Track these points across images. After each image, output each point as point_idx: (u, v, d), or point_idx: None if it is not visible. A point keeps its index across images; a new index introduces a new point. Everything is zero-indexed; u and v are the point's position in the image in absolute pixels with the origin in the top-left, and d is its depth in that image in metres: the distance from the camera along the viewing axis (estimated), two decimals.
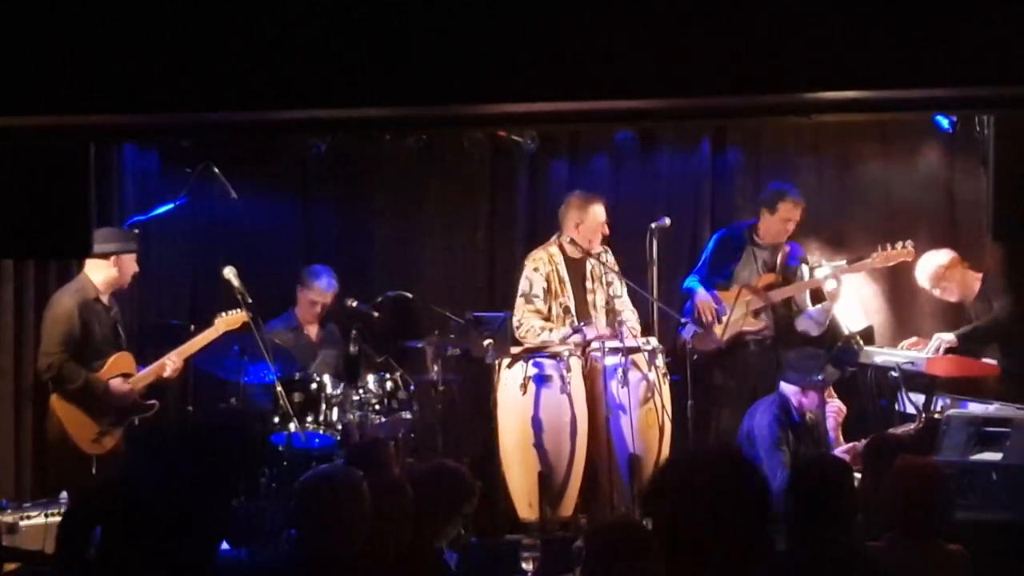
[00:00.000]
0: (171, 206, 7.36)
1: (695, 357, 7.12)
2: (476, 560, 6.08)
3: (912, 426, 6.73)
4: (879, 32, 3.34)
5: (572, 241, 7.21)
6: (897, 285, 7.91)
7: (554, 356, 6.93)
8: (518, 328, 7.18)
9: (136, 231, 7.09)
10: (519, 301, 7.25)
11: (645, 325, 7.31)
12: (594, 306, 7.29)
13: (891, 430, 6.67)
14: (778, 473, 6.58)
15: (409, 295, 7.85)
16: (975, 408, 6.53)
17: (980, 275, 7.37)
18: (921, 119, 7.44)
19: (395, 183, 8.42)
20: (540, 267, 7.25)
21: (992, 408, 6.50)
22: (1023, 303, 7.23)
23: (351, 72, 3.47)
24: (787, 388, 6.93)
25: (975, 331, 7.29)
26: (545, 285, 7.22)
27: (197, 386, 7.35)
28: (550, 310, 7.23)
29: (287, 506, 6.03)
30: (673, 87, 3.44)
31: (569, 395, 6.85)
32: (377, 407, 7.19)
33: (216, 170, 7.19)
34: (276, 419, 7.01)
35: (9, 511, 6.16)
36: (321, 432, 7.04)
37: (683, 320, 7.37)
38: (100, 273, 6.72)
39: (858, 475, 4.95)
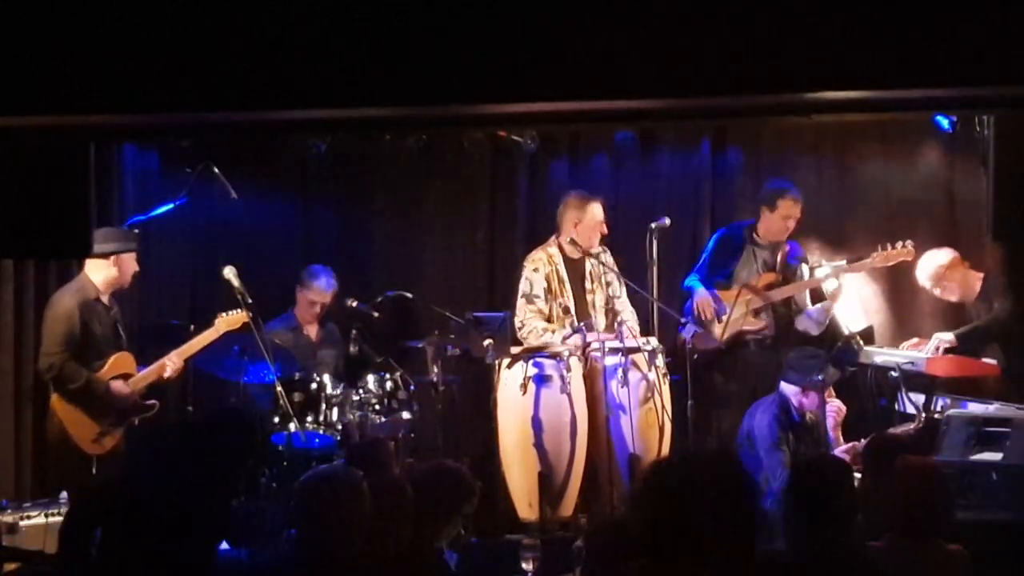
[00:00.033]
0: (171, 206, 7.36)
1: (695, 357, 7.12)
2: (476, 560, 6.08)
3: (912, 426, 6.73)
4: (879, 32, 3.34)
5: (572, 241, 7.22)
6: (897, 285, 7.91)
7: (554, 356, 6.94)
8: (521, 329, 7.19)
9: (136, 231, 7.09)
10: (520, 302, 7.25)
11: (645, 325, 7.31)
12: (593, 306, 7.30)
13: (891, 430, 6.68)
14: (778, 473, 6.59)
15: (409, 295, 7.85)
16: (975, 408, 6.53)
17: (981, 275, 7.37)
18: (921, 119, 7.44)
19: (395, 183, 8.42)
20: (540, 267, 7.26)
21: (992, 408, 6.51)
22: (1023, 303, 7.23)
23: (351, 72, 3.47)
24: (787, 388, 6.93)
25: (974, 331, 7.29)
26: (545, 285, 7.23)
27: (197, 386, 7.36)
28: (551, 310, 7.23)
29: (287, 506, 6.03)
30: (673, 87, 3.44)
31: (569, 395, 6.85)
32: (377, 407, 7.20)
33: (216, 170, 7.19)
34: (276, 419, 7.01)
35: (9, 511, 6.16)
36: (321, 432, 7.05)
37: (683, 320, 7.37)
38: (100, 273, 6.72)
39: (858, 475, 4.95)
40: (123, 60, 3.48)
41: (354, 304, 7.63)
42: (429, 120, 4.61)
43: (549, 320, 7.23)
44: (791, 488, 3.86)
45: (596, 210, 7.25)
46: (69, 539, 3.78)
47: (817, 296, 7.64)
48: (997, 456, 5.91)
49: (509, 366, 7.01)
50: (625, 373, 6.80)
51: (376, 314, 7.65)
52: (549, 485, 6.83)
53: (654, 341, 7.07)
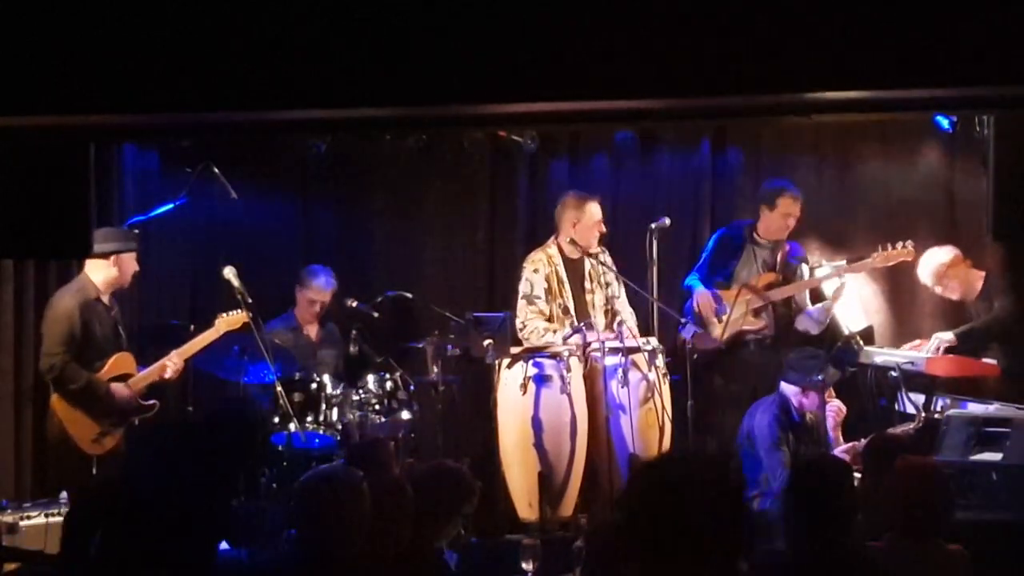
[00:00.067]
0: (171, 206, 7.36)
1: (695, 357, 7.12)
2: (476, 560, 6.08)
3: (911, 426, 6.73)
4: (879, 32, 3.34)
5: (572, 241, 7.22)
6: (897, 285, 7.91)
7: (554, 356, 6.94)
8: (522, 330, 7.19)
9: (136, 231, 7.09)
10: (521, 303, 7.25)
11: (645, 325, 7.31)
12: (593, 306, 7.30)
13: (890, 430, 6.68)
14: (778, 473, 6.59)
15: (409, 295, 7.85)
16: (975, 408, 6.53)
17: (982, 273, 7.36)
18: (921, 119, 7.44)
19: (395, 183, 8.42)
20: (540, 268, 7.26)
21: (992, 408, 6.51)
22: (1023, 303, 7.23)
23: (351, 72, 3.47)
24: (787, 388, 6.93)
25: (974, 331, 7.30)
26: (546, 286, 7.23)
27: (197, 386, 7.36)
28: (551, 311, 7.23)
29: (287, 506, 6.04)
30: (673, 87, 3.44)
31: (569, 395, 6.85)
32: (377, 407, 7.20)
33: (216, 170, 7.19)
34: (276, 419, 7.01)
35: (9, 511, 6.17)
36: (321, 432, 7.05)
37: (683, 320, 7.36)
38: (100, 273, 6.71)
39: (858, 475, 4.95)
40: (123, 60, 3.48)
41: (354, 304, 7.63)
42: (429, 120, 4.61)
43: (550, 320, 7.23)
44: (791, 488, 3.86)
45: (594, 209, 7.26)
46: (69, 539, 3.78)
47: (817, 296, 7.65)
48: (997, 456, 5.91)
49: (509, 366, 7.01)
50: (625, 373, 6.79)
51: (376, 314, 7.65)
52: (549, 485, 6.83)
53: (654, 341, 7.07)
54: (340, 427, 7.11)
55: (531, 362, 6.92)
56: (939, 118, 7.45)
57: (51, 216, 3.89)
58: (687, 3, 3.41)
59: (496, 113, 4.01)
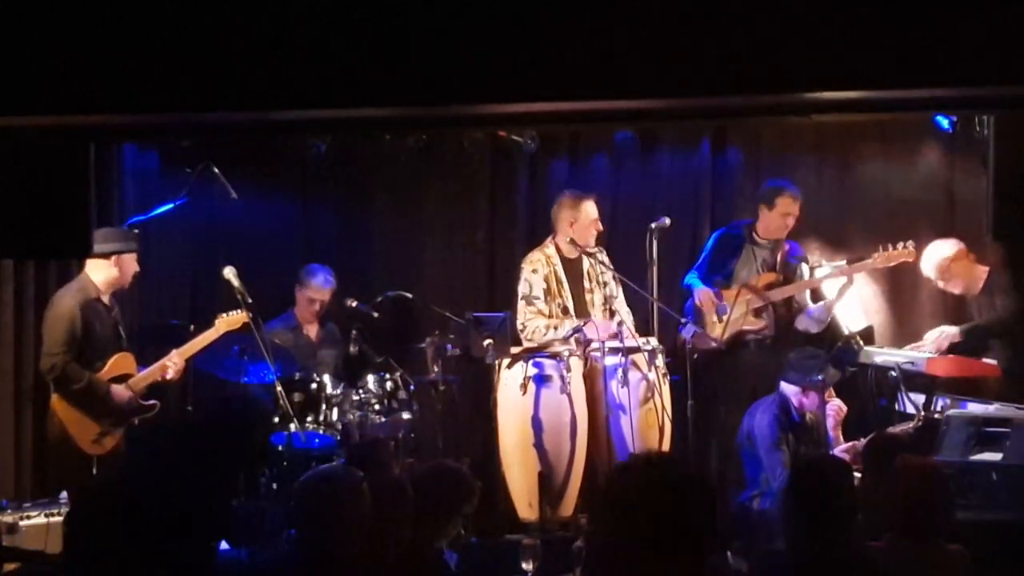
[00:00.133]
0: (171, 206, 7.36)
1: (695, 357, 7.12)
2: (476, 560, 6.08)
3: (911, 425, 6.73)
4: (879, 32, 3.33)
5: (572, 241, 7.22)
6: (897, 285, 7.91)
7: (554, 356, 6.94)
8: (522, 331, 7.19)
9: (136, 231, 7.10)
10: (520, 304, 7.25)
11: (645, 325, 7.30)
12: (592, 305, 7.30)
13: (890, 429, 6.68)
14: (778, 473, 6.59)
15: (409, 295, 7.86)
16: (975, 408, 6.53)
17: (986, 268, 7.32)
18: (921, 119, 7.44)
19: (395, 183, 8.43)
20: (539, 268, 7.26)
21: (992, 408, 6.51)
22: None
23: (351, 72, 3.47)
24: (787, 388, 6.93)
25: (978, 328, 7.28)
26: (545, 286, 7.23)
27: (197, 386, 7.36)
28: (550, 311, 7.23)
29: (287, 506, 6.04)
30: (673, 87, 3.43)
31: (569, 395, 6.85)
32: (377, 407, 7.20)
33: (216, 170, 7.19)
34: (276, 419, 7.01)
35: (9, 511, 6.17)
36: (321, 432, 7.05)
37: (683, 320, 7.37)
38: (101, 273, 6.71)
39: (858, 475, 4.95)
40: (123, 60, 3.47)
41: (354, 304, 7.63)
42: (429, 120, 4.61)
43: (550, 319, 7.23)
44: (791, 488, 3.86)
45: (590, 208, 7.26)
46: (70, 539, 3.78)
47: (817, 296, 7.65)
48: (997, 456, 5.91)
49: (509, 366, 7.01)
50: (625, 373, 6.80)
51: (376, 314, 7.65)
52: (549, 485, 6.83)
53: (654, 341, 7.07)
54: (340, 427, 7.12)
55: (531, 362, 6.92)
56: (939, 118, 7.45)
57: (51, 216, 3.88)
58: (687, 3, 3.41)
59: (496, 113, 4.01)
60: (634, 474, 2.60)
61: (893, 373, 7.12)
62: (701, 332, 7.34)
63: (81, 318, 6.58)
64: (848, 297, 7.55)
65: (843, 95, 3.56)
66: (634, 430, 6.78)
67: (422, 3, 3.46)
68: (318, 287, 7.71)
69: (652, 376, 6.92)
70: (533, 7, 3.43)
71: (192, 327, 7.16)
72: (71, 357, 6.55)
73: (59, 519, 6.05)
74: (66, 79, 3.48)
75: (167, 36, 3.47)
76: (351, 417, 7.13)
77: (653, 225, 7.18)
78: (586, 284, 7.33)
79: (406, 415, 7.26)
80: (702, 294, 7.52)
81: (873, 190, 8.03)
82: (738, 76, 3.39)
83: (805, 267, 7.62)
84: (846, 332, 7.46)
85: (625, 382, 6.80)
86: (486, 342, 6.95)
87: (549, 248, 7.34)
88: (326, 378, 7.21)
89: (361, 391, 7.21)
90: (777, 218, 7.52)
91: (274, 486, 6.87)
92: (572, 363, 6.90)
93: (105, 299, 6.78)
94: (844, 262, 7.55)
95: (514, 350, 7.05)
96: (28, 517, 6.13)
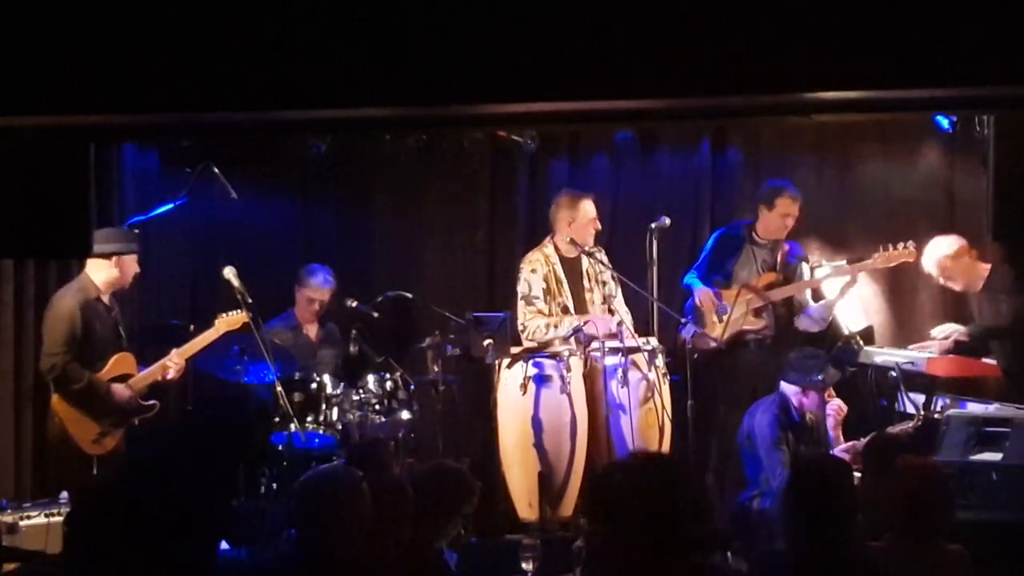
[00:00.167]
0: (171, 206, 7.36)
1: (695, 357, 7.12)
2: (476, 560, 6.08)
3: (910, 424, 6.73)
4: (879, 32, 3.33)
5: (572, 241, 7.22)
6: (897, 285, 7.91)
7: (554, 356, 6.94)
8: (523, 331, 7.18)
9: (136, 231, 7.10)
10: (520, 304, 7.25)
11: (644, 325, 7.30)
12: (592, 304, 7.30)
13: (889, 428, 6.68)
14: (778, 473, 6.59)
15: (409, 295, 7.86)
16: (975, 408, 6.53)
17: (987, 266, 7.28)
18: (921, 119, 7.44)
19: (395, 183, 8.43)
20: (538, 268, 7.26)
21: (992, 408, 6.51)
22: None
23: (351, 72, 3.47)
24: (787, 388, 6.93)
25: (986, 330, 7.24)
26: (544, 286, 7.23)
27: (197, 386, 7.36)
28: (550, 311, 7.23)
29: (287, 506, 6.04)
30: (673, 87, 3.43)
31: (569, 395, 6.85)
32: (377, 407, 7.20)
33: (216, 170, 7.19)
34: (276, 419, 7.01)
35: (9, 511, 6.17)
36: (321, 432, 7.05)
37: (683, 320, 7.37)
38: (101, 273, 6.71)
39: (857, 474, 4.95)
40: (123, 60, 3.48)
41: (354, 304, 7.63)
42: (429, 120, 4.61)
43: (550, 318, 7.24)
44: (791, 488, 3.86)
45: (588, 207, 7.27)
46: (70, 539, 3.78)
47: (818, 295, 7.65)
48: (997, 456, 5.92)
49: (509, 366, 7.01)
50: (625, 373, 6.80)
51: (376, 314, 7.65)
52: (549, 485, 6.83)
53: (654, 341, 7.07)
54: (340, 427, 7.12)
55: (531, 362, 6.93)
56: (939, 118, 7.45)
57: (51, 216, 3.88)
58: (687, 3, 3.41)
59: (496, 113, 4.01)
60: (617, 474, 2.62)
61: (893, 373, 7.12)
62: (701, 332, 7.34)
63: (81, 318, 6.57)
64: (848, 297, 7.54)
65: (843, 95, 3.56)
66: (634, 430, 6.78)
67: (422, 3, 3.46)
68: (317, 287, 7.71)
69: (652, 376, 6.92)
70: (533, 7, 3.43)
71: (192, 327, 7.16)
72: (71, 357, 6.55)
73: (59, 519, 6.05)
74: (66, 79, 3.48)
75: (167, 36, 3.47)
76: (351, 417, 7.13)
77: (653, 225, 7.18)
78: (585, 283, 7.33)
79: (406, 415, 7.26)
80: (702, 294, 7.52)
81: (873, 190, 8.03)
82: (738, 76, 3.39)
83: (805, 267, 7.62)
84: (846, 332, 7.47)
85: (625, 382, 6.79)
86: (486, 342, 6.95)
87: (548, 248, 7.34)
88: (326, 378, 7.21)
89: (361, 391, 7.21)
90: (777, 219, 7.52)
91: (274, 486, 6.87)
92: (572, 363, 6.90)
93: (105, 299, 6.78)
94: (844, 262, 7.55)
95: (514, 350, 7.05)
96: (28, 517, 6.13)
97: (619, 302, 7.36)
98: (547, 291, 7.23)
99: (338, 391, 7.19)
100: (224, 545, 5.80)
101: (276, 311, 7.76)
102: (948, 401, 6.79)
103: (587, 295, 7.31)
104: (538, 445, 6.86)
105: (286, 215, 8.39)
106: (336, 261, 8.00)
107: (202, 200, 7.37)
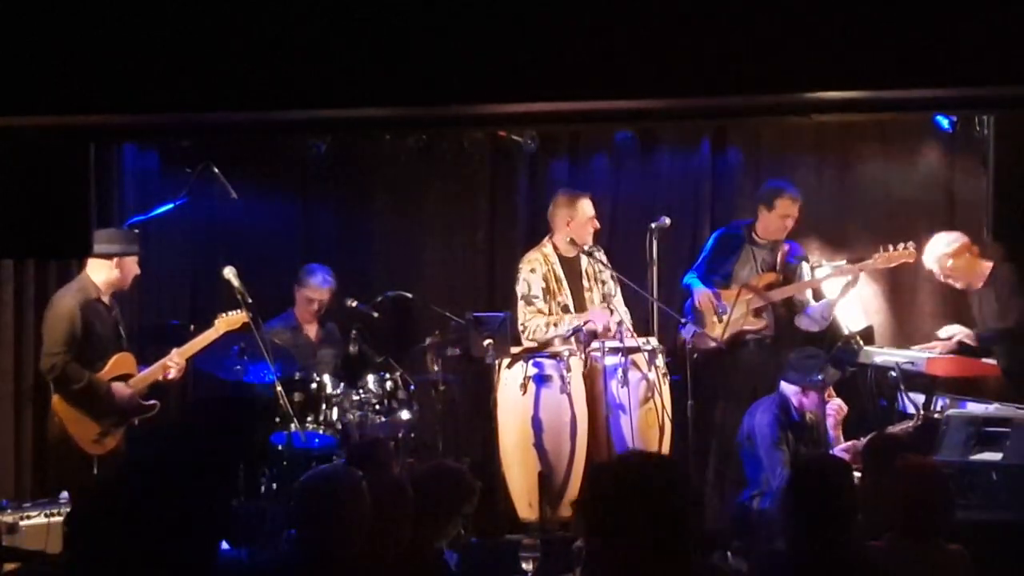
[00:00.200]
0: (171, 206, 7.36)
1: (695, 357, 7.12)
2: (476, 560, 6.08)
3: (910, 424, 6.73)
4: (879, 32, 3.33)
5: (572, 241, 7.22)
6: (897, 285, 7.91)
7: (554, 356, 6.94)
8: (523, 331, 7.18)
9: (136, 232, 7.10)
10: (520, 304, 7.25)
11: (644, 325, 7.30)
12: (592, 303, 7.30)
13: (889, 428, 6.68)
14: (778, 472, 6.59)
15: (409, 295, 7.86)
16: (975, 408, 6.53)
17: (989, 264, 7.26)
18: (921, 119, 7.44)
19: (395, 183, 8.43)
20: (537, 268, 7.26)
21: (992, 408, 6.50)
22: None
23: (351, 72, 3.47)
24: (787, 388, 6.93)
25: (995, 333, 7.22)
26: (543, 285, 7.23)
27: (197, 386, 7.36)
28: (550, 310, 7.23)
29: (287, 506, 6.04)
30: (673, 87, 3.43)
31: (569, 395, 6.86)
32: (377, 407, 7.20)
33: (216, 170, 7.19)
34: (276, 419, 7.01)
35: (9, 511, 6.17)
36: (321, 432, 7.05)
37: (683, 320, 7.37)
38: (102, 274, 6.71)
39: (857, 474, 4.95)
40: (123, 60, 3.47)
41: (354, 304, 7.63)
42: (429, 120, 4.61)
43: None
44: (791, 488, 3.86)
45: (586, 206, 7.27)
46: (70, 539, 3.78)
47: (818, 295, 7.65)
48: (997, 456, 5.91)
49: (509, 366, 7.01)
50: (625, 373, 6.80)
51: (376, 314, 7.65)
52: (549, 485, 6.84)
53: (654, 341, 7.07)
54: (340, 427, 7.12)
55: (531, 362, 6.93)
56: (939, 118, 7.45)
57: (51, 216, 3.88)
58: (687, 3, 3.41)
59: (496, 113, 4.01)
60: (608, 474, 2.62)
61: (893, 373, 7.12)
62: (701, 332, 7.34)
63: (81, 318, 6.58)
64: (848, 297, 7.54)
65: (843, 95, 3.56)
66: (634, 430, 6.78)
67: (422, 3, 3.46)
68: (316, 287, 7.72)
69: (652, 376, 6.92)
70: (533, 7, 3.43)
71: (192, 327, 7.16)
72: (71, 357, 6.55)
73: (59, 519, 6.05)
74: (66, 79, 3.48)
75: (167, 36, 3.46)
76: (351, 417, 7.13)
77: (653, 225, 7.18)
78: (584, 283, 7.33)
79: (406, 415, 7.26)
80: (701, 295, 7.52)
81: (873, 190, 8.03)
82: (738, 76, 3.39)
83: (806, 266, 7.61)
84: (846, 332, 7.46)
85: (625, 382, 6.80)
86: (486, 342, 6.95)
87: (546, 247, 7.34)
88: (326, 378, 7.22)
89: (361, 391, 7.21)
90: (776, 219, 7.52)
91: (274, 486, 6.87)
92: (572, 363, 6.90)
93: (105, 299, 6.78)
94: (844, 262, 7.54)
95: (514, 350, 7.06)
96: (28, 517, 6.12)
97: (618, 301, 7.36)
98: (546, 290, 7.23)
99: (338, 391, 7.19)
100: (224, 545, 5.80)
101: (276, 311, 7.76)
102: (948, 401, 6.79)
103: (586, 294, 7.31)
104: (538, 445, 6.86)
105: (286, 215, 8.39)
106: (336, 261, 8.00)
107: (202, 200, 7.37)
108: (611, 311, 7.21)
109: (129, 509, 2.48)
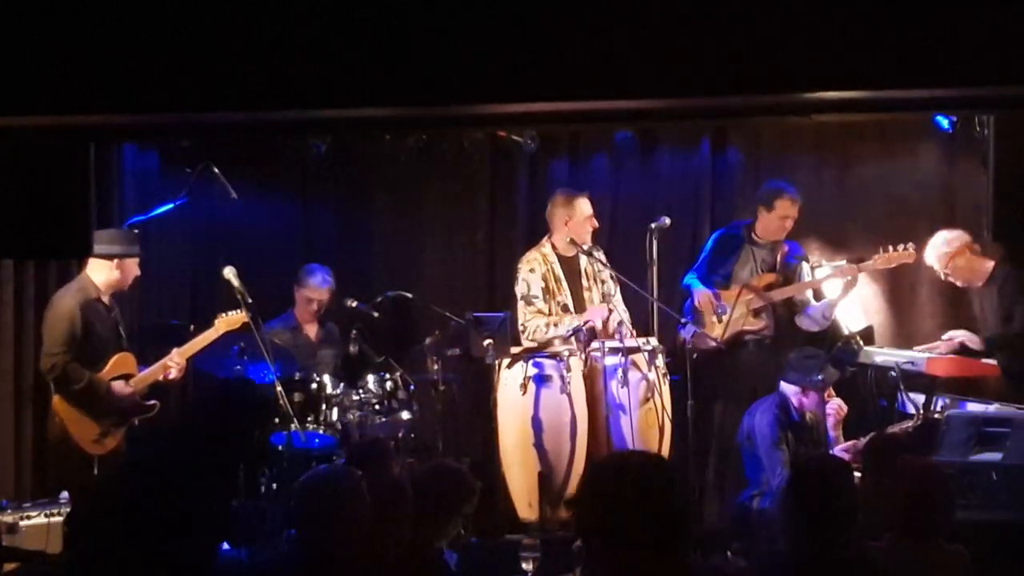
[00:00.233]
0: (171, 206, 7.36)
1: (695, 357, 7.12)
2: (476, 560, 6.08)
3: (910, 424, 6.73)
4: (879, 32, 3.33)
5: (571, 241, 7.22)
6: (897, 285, 7.91)
7: (554, 356, 6.94)
8: (523, 331, 7.18)
9: (137, 232, 7.10)
10: (520, 305, 7.25)
11: (644, 325, 7.29)
12: (591, 303, 7.30)
13: (889, 428, 6.68)
14: (778, 472, 6.59)
15: (409, 295, 7.86)
16: (975, 408, 6.53)
17: (991, 262, 7.26)
18: (921, 119, 7.44)
19: (395, 183, 8.43)
20: (536, 268, 7.26)
21: (992, 408, 6.51)
22: None
23: (351, 72, 3.47)
24: (787, 388, 6.93)
25: (1002, 338, 7.21)
26: (543, 285, 7.23)
27: (197, 386, 7.36)
28: (550, 310, 7.23)
29: (287, 506, 6.04)
30: (673, 87, 3.43)
31: (569, 395, 6.86)
32: (377, 407, 7.20)
33: (216, 170, 7.19)
34: (276, 419, 7.01)
35: (9, 511, 6.17)
36: (321, 432, 7.05)
37: (683, 320, 7.37)
38: (102, 274, 6.71)
39: (857, 474, 4.95)
40: (123, 60, 3.47)
41: (354, 304, 7.63)
42: (429, 120, 4.62)
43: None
44: (791, 488, 3.86)
45: (584, 205, 7.27)
46: (70, 539, 3.78)
47: (818, 295, 7.65)
48: (997, 456, 5.91)
49: (509, 366, 7.01)
50: (625, 373, 6.80)
51: (376, 314, 7.65)
52: (549, 485, 6.84)
53: (654, 341, 7.07)
54: (340, 427, 7.11)
55: (531, 362, 6.93)
56: (939, 118, 7.45)
57: (51, 216, 3.88)
58: (687, 3, 3.41)
59: (496, 113, 4.01)
60: (603, 474, 2.62)
61: (893, 373, 7.11)
62: (701, 332, 7.34)
63: (81, 318, 6.58)
64: (849, 297, 7.54)
65: (843, 95, 3.56)
66: (634, 430, 6.78)
67: (422, 3, 3.46)
68: (316, 287, 7.72)
69: (652, 376, 6.92)
70: (533, 7, 3.43)
71: (192, 327, 7.16)
72: (71, 357, 6.55)
73: (59, 519, 6.05)
74: (66, 79, 3.48)
75: (167, 36, 3.46)
76: (351, 417, 7.13)
77: (653, 225, 7.18)
78: (584, 282, 7.33)
79: (406, 415, 7.26)
80: (701, 296, 7.52)
81: (873, 190, 8.03)
82: (738, 76, 3.38)
83: (806, 267, 7.61)
84: (846, 332, 7.46)
85: (625, 382, 6.80)
86: (486, 342, 6.95)
87: (545, 247, 7.34)
88: (326, 378, 7.21)
89: (361, 391, 7.21)
90: (775, 220, 7.52)
91: (274, 486, 6.87)
92: (572, 363, 6.90)
93: (105, 299, 6.78)
94: (844, 262, 7.54)
95: (514, 350, 7.06)
96: (28, 517, 6.12)
97: (618, 301, 7.36)
98: (546, 290, 7.23)
99: (338, 391, 7.19)
100: (224, 545, 5.80)
101: (276, 311, 7.76)
102: (948, 401, 6.79)
103: (586, 294, 7.31)
104: (538, 445, 6.87)
105: (286, 215, 8.39)
106: (336, 261, 8.00)
107: (202, 200, 7.37)
108: (610, 310, 7.21)
109: (129, 509, 2.48)
